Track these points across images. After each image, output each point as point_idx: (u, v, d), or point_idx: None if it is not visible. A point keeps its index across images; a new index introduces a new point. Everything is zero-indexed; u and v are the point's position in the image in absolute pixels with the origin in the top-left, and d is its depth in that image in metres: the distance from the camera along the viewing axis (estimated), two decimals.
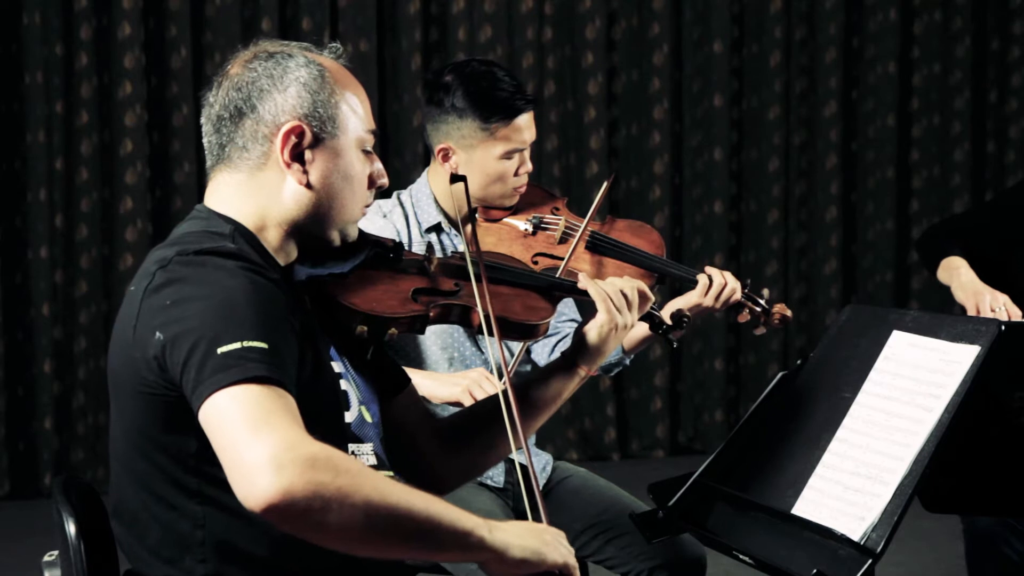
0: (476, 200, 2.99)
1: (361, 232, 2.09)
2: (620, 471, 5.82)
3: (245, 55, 2.03)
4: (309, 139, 1.96)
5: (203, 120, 2.02)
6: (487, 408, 2.25)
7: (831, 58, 6.70)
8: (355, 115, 2.01)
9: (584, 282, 2.24)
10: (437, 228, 2.98)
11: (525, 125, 2.94)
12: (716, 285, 3.02)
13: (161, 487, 1.89)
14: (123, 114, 5.81)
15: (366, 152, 2.03)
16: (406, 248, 2.20)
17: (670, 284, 3.20)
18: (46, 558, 2.10)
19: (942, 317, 2.21)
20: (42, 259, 5.77)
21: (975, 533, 3.35)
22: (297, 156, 1.96)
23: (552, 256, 2.98)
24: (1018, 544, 3.26)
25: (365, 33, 6.08)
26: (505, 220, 3.03)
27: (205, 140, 2.02)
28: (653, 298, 2.31)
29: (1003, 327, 2.08)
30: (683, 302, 3.04)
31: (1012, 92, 6.89)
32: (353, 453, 1.97)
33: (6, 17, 5.72)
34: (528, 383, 2.25)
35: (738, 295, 3.06)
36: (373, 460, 2.01)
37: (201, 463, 1.85)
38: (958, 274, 3.36)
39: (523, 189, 3.01)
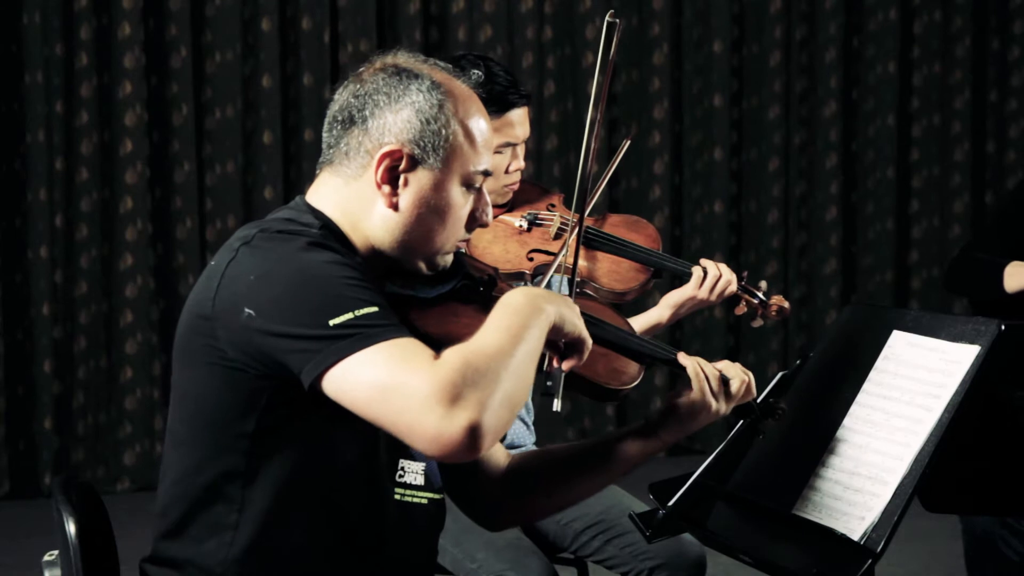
0: None
1: (457, 259, 2.04)
2: None
3: (377, 62, 2.00)
4: (406, 164, 1.93)
5: (327, 114, 2.01)
6: (558, 458, 2.19)
7: (831, 58, 6.70)
8: (468, 150, 1.96)
9: (684, 359, 2.11)
10: None
11: (518, 120, 2.92)
12: (711, 277, 3.01)
13: (209, 465, 1.89)
14: (123, 114, 5.81)
15: (471, 189, 1.98)
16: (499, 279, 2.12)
17: (668, 279, 3.17)
18: (46, 558, 2.10)
19: (942, 317, 2.21)
20: (42, 259, 5.76)
21: (975, 533, 3.35)
22: (392, 179, 1.94)
23: (547, 252, 2.98)
24: (1017, 544, 3.27)
25: (365, 33, 6.07)
26: (500, 217, 3.03)
27: (323, 134, 2.01)
28: (755, 393, 2.15)
29: (1003, 327, 2.08)
30: (678, 295, 3.03)
31: (1012, 92, 6.89)
32: (403, 469, 1.98)
33: (6, 17, 5.71)
34: (604, 442, 2.17)
35: (734, 287, 3.04)
36: (421, 480, 2.01)
37: (255, 446, 1.86)
38: None
39: (515, 187, 2.99)
